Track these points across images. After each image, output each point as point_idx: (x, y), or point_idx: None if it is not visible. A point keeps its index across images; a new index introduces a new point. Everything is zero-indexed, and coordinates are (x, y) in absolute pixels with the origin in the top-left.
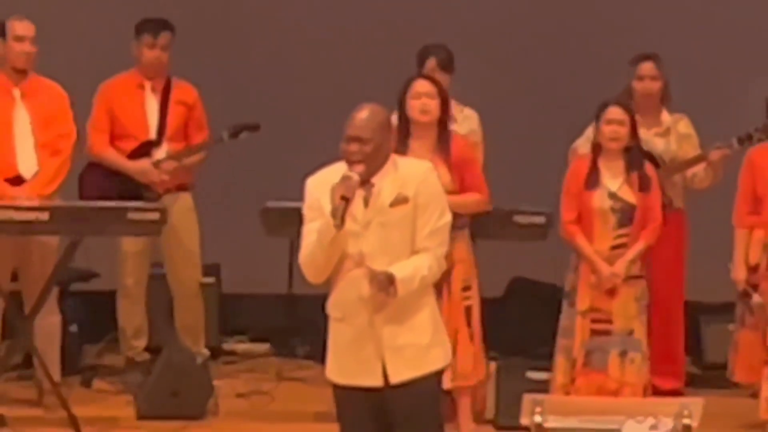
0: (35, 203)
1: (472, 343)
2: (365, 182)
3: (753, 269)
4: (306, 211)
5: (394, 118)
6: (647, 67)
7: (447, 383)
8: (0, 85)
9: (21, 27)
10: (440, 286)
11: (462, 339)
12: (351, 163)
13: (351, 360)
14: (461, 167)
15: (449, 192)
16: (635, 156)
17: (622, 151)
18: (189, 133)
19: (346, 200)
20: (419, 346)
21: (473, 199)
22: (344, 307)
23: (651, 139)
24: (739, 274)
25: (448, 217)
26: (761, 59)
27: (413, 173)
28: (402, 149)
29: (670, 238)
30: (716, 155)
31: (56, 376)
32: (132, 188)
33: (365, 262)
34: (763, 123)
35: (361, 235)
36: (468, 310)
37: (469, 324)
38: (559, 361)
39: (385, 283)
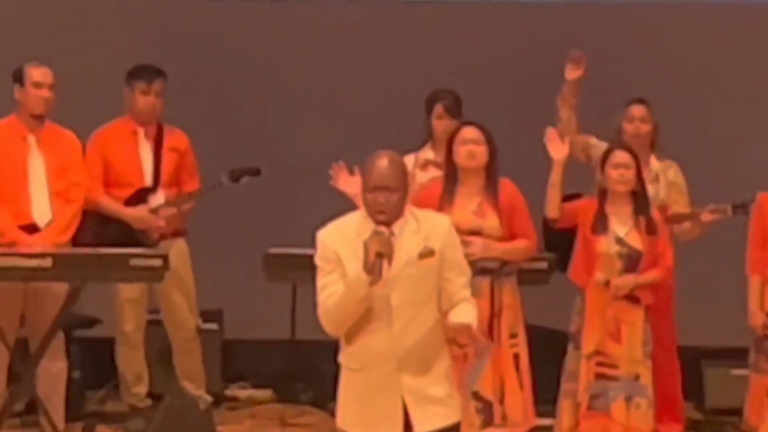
0: (38, 250)
1: (521, 390)
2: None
3: None
4: (321, 263)
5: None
6: (638, 109)
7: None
8: (16, 132)
9: (39, 73)
10: (489, 332)
11: (510, 385)
12: (377, 213)
13: (369, 411)
14: (510, 213)
15: (498, 238)
16: (642, 200)
17: (629, 195)
18: (181, 179)
19: (381, 256)
20: (442, 396)
21: (523, 246)
22: (364, 358)
23: None
24: (757, 320)
25: (469, 270)
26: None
27: (437, 226)
28: (449, 195)
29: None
30: (708, 218)
31: (60, 422)
32: (127, 235)
33: (393, 314)
34: (752, 194)
35: (388, 287)
36: (515, 357)
37: (517, 370)
38: (564, 404)
39: (471, 333)
